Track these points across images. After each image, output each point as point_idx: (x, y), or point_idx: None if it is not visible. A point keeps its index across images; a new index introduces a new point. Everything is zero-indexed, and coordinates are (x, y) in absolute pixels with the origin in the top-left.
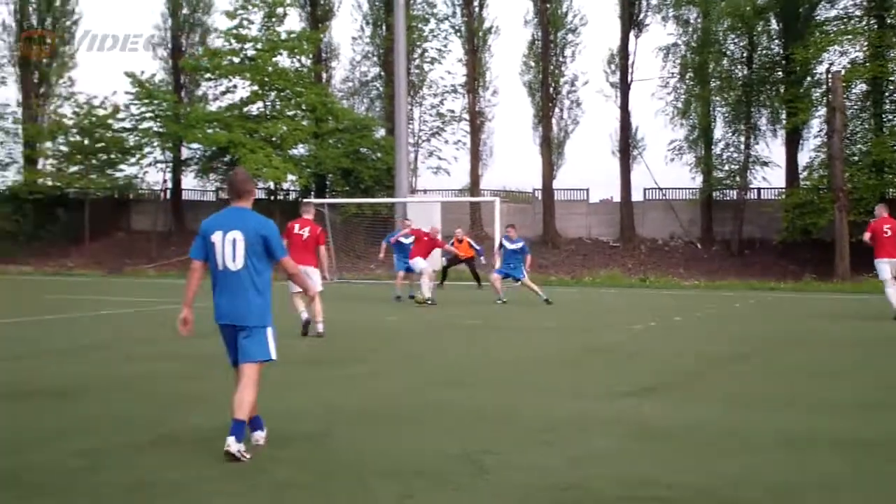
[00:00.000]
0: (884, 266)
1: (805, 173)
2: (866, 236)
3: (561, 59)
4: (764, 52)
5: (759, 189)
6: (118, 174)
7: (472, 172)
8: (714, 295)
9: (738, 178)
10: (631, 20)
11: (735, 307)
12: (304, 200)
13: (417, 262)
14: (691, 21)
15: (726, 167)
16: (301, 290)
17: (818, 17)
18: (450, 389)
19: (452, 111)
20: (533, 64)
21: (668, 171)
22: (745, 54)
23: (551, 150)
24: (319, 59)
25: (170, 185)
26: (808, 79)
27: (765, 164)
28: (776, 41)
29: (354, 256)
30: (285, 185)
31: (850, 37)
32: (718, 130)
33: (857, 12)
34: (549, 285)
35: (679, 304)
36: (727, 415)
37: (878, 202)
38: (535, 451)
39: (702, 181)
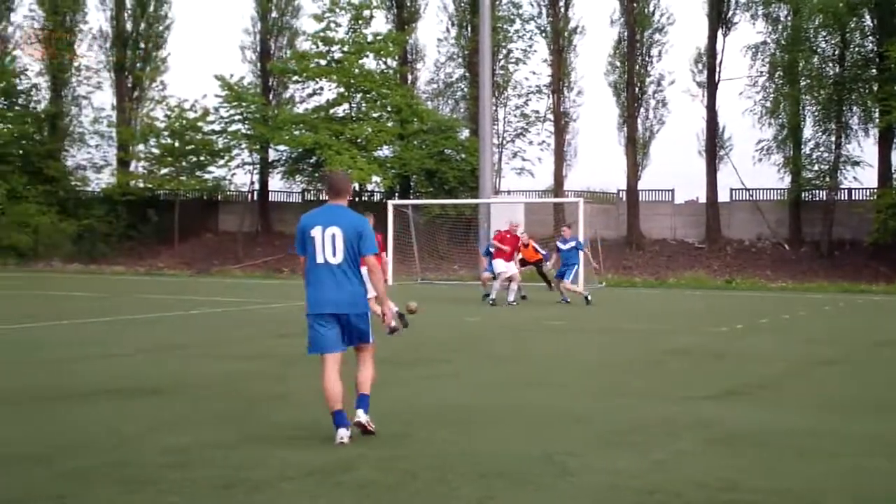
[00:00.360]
0: None
1: None
2: None
3: (647, 58)
4: (857, 49)
5: (849, 189)
6: (207, 176)
7: (556, 173)
8: (802, 297)
9: (827, 179)
10: (719, 18)
11: (824, 310)
12: (365, 213)
13: (499, 264)
14: (781, 19)
15: (816, 167)
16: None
17: None
18: (532, 390)
19: (537, 112)
20: (618, 64)
21: (755, 171)
22: (836, 52)
23: (636, 150)
24: (405, 61)
25: (257, 186)
26: None
27: (856, 163)
28: (870, 38)
29: (438, 257)
30: (370, 187)
31: None
32: (808, 130)
33: None
34: (632, 287)
35: (766, 306)
36: (815, 419)
37: None
38: (617, 454)
39: (790, 181)
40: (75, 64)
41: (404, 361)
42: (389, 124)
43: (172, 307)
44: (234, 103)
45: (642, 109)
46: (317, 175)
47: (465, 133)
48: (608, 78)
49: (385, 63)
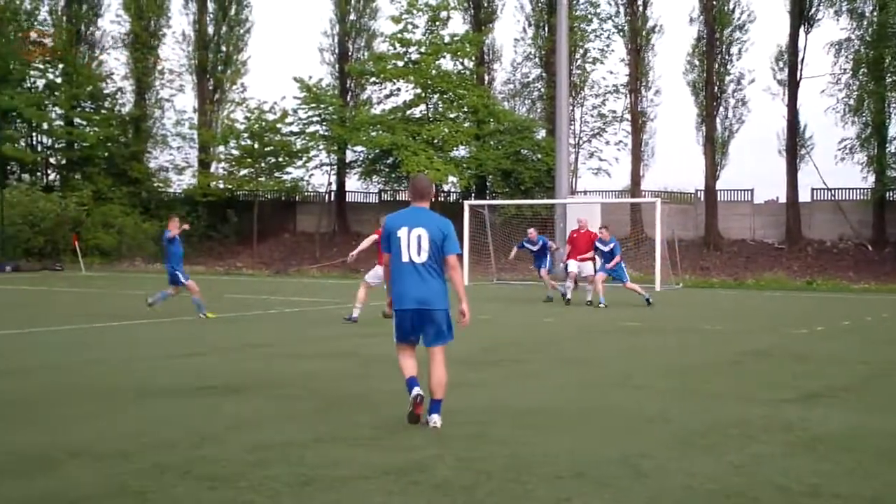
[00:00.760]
0: None
1: None
2: None
3: (726, 56)
4: None
5: None
6: (285, 177)
7: (633, 173)
8: (886, 299)
9: None
10: (801, 15)
11: None
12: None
13: (570, 264)
14: (867, 14)
15: None
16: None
17: None
18: (608, 392)
19: (614, 111)
20: (697, 62)
21: (837, 170)
22: None
23: (714, 149)
24: (482, 62)
25: (334, 187)
26: None
27: None
28: None
29: (514, 258)
30: (446, 187)
31: None
32: (893, 128)
33: None
34: (710, 288)
35: (848, 308)
36: None
37: None
38: (695, 456)
39: (874, 181)
40: (159, 67)
41: (480, 362)
42: (466, 125)
43: (251, 307)
44: (313, 105)
45: (721, 108)
46: (393, 176)
47: (542, 133)
48: (686, 77)
49: (462, 64)
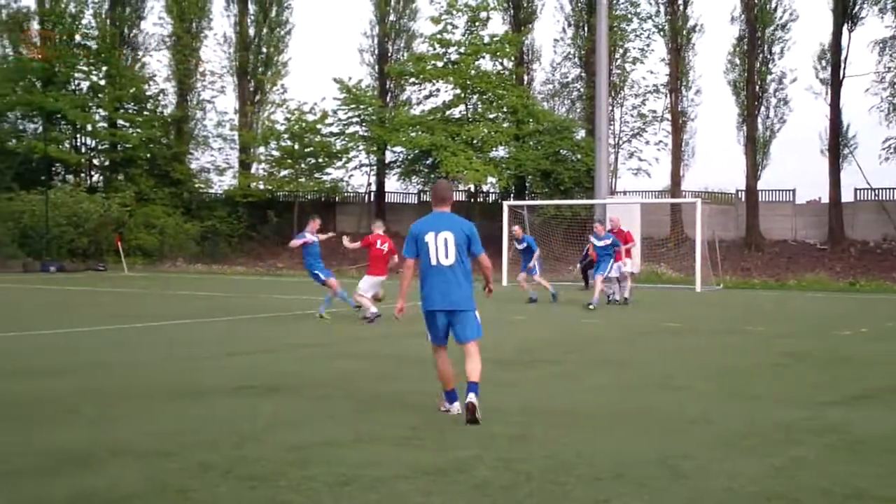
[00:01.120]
0: None
1: None
2: None
3: (768, 55)
4: None
5: None
6: (325, 177)
7: (673, 173)
8: None
9: None
10: (845, 13)
11: None
12: (377, 222)
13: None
14: None
15: None
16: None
17: None
18: (648, 392)
19: (654, 111)
20: (738, 62)
21: (881, 170)
22: None
23: (756, 149)
24: (521, 62)
25: (374, 187)
26: None
27: None
28: None
29: (553, 258)
30: (485, 188)
31: None
32: None
33: None
34: (751, 289)
35: (892, 309)
36: None
37: None
38: (735, 458)
39: None
40: (200, 69)
41: (518, 363)
42: (505, 125)
43: (291, 307)
44: (352, 106)
45: (762, 108)
46: (433, 176)
47: (581, 133)
48: (727, 76)
49: (501, 64)
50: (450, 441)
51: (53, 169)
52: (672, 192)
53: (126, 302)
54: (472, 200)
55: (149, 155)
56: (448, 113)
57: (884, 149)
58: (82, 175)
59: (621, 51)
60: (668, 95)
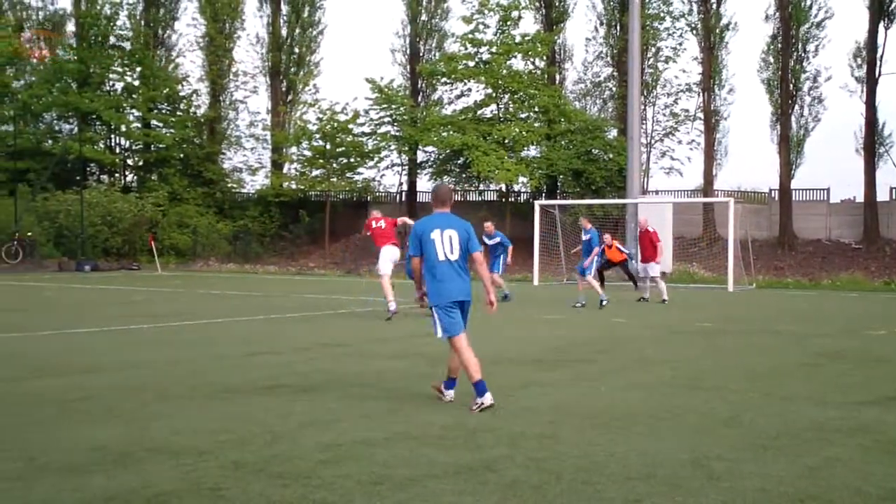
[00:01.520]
0: None
1: None
2: None
3: (802, 53)
4: None
5: None
6: (357, 177)
7: (706, 173)
8: None
9: None
10: (881, 10)
11: None
12: (373, 212)
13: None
14: None
15: None
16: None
17: None
18: (680, 392)
19: (686, 110)
20: (772, 60)
21: None
22: None
23: (789, 148)
24: (553, 61)
25: (405, 187)
26: None
27: None
28: None
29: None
30: (516, 187)
31: None
32: None
33: None
34: (784, 288)
35: None
36: None
37: None
38: (768, 459)
39: None
40: (233, 69)
41: (551, 362)
42: (537, 125)
43: (323, 306)
44: (384, 105)
45: (797, 106)
46: (464, 176)
47: (613, 133)
48: (761, 75)
49: (533, 63)
50: (480, 440)
51: (88, 169)
52: (705, 191)
53: (160, 301)
54: (504, 200)
55: (182, 155)
56: (479, 113)
57: None
58: (116, 175)
59: (654, 50)
60: (701, 94)
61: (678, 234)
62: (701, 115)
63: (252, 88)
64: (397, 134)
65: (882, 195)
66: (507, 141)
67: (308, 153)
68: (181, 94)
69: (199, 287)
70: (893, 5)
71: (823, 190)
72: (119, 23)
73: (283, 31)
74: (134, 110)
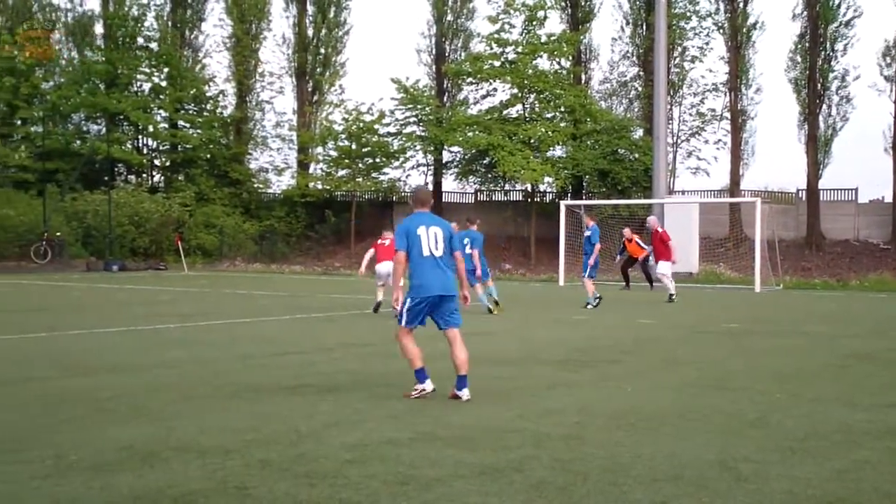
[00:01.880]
0: None
1: None
2: None
3: (830, 52)
4: None
5: None
6: (382, 177)
7: (733, 173)
8: None
9: None
10: None
11: None
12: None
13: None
14: None
15: None
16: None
17: None
18: (707, 393)
19: (713, 110)
20: (800, 59)
21: None
22: None
23: (817, 148)
24: (578, 61)
25: (431, 187)
26: None
27: None
28: None
29: (609, 258)
30: (541, 187)
31: None
32: None
33: None
34: (811, 289)
35: None
36: None
37: None
38: (797, 461)
39: None
40: (259, 70)
41: (576, 362)
42: (562, 125)
43: (348, 306)
44: (410, 106)
45: (824, 106)
46: (490, 176)
47: (639, 132)
48: (789, 74)
49: (559, 63)
50: (506, 441)
51: (116, 169)
52: (731, 191)
53: (187, 301)
54: (529, 200)
55: (209, 155)
56: (505, 112)
57: None
58: (144, 175)
59: (680, 49)
60: (728, 94)
61: (704, 235)
62: (727, 114)
63: (278, 89)
64: (423, 134)
65: None
66: (532, 141)
67: (334, 153)
68: (208, 94)
69: (225, 287)
70: None
71: (851, 190)
72: (146, 24)
73: (310, 32)
74: (161, 111)
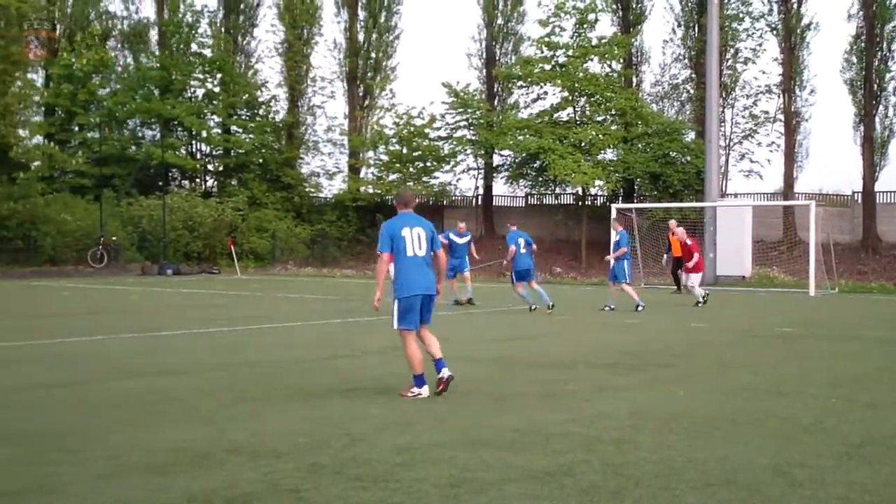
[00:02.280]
0: None
1: None
2: None
3: (887, 53)
4: None
5: None
6: (433, 181)
7: (786, 175)
8: None
9: None
10: None
11: None
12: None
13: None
14: None
15: None
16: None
17: None
18: (760, 398)
19: (766, 112)
20: (855, 60)
21: None
22: None
23: (873, 150)
24: (629, 64)
25: (481, 191)
26: None
27: None
28: None
29: (657, 258)
30: (592, 190)
31: None
32: None
33: None
34: (868, 293)
35: None
36: None
37: None
38: (852, 467)
39: None
40: (311, 75)
41: (627, 366)
42: (613, 128)
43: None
44: (460, 109)
45: (881, 107)
46: (540, 179)
47: (691, 135)
48: (844, 75)
49: (609, 66)
50: (556, 445)
51: (170, 174)
52: (785, 194)
53: (239, 304)
54: (580, 204)
55: (261, 160)
56: (556, 116)
57: None
58: (197, 180)
59: (732, 51)
60: (781, 96)
61: (757, 238)
62: (781, 116)
63: (329, 93)
64: (473, 138)
65: None
66: (583, 144)
67: (385, 157)
68: (260, 99)
69: (277, 290)
70: None
71: None
72: (200, 30)
73: (360, 37)
74: (214, 116)
